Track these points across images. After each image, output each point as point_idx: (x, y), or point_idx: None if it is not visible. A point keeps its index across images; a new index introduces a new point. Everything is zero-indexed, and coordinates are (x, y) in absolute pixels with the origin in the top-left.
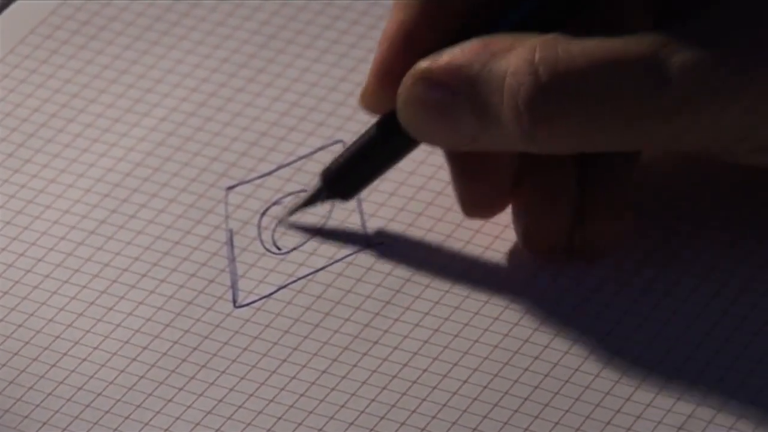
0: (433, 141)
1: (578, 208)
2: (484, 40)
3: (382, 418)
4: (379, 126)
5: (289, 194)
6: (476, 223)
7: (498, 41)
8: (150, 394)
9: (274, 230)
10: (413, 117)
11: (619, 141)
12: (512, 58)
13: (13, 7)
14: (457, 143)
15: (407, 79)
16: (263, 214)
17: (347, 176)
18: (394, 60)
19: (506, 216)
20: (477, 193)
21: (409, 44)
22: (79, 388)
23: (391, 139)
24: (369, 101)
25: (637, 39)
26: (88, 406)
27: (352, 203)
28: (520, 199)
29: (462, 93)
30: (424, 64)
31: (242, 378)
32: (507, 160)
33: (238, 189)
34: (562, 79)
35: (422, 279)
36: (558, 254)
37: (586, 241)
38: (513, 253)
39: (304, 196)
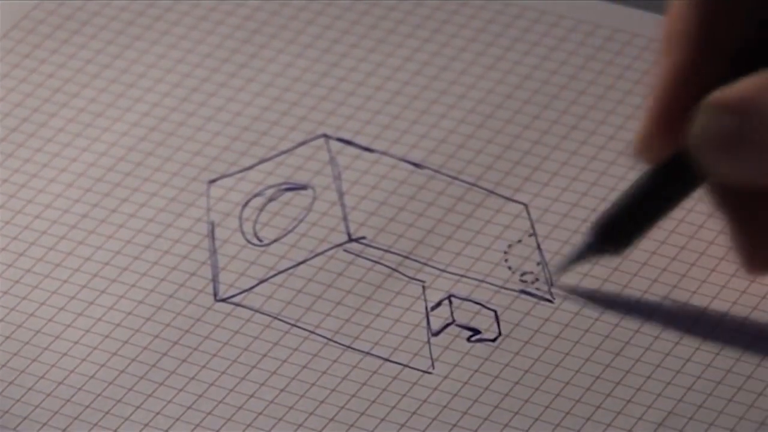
0: (730, 172)
1: None
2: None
3: (362, 414)
4: (658, 171)
5: (270, 187)
6: (459, 218)
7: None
8: (130, 389)
9: (255, 222)
10: (710, 149)
11: None
12: None
13: None
14: (755, 176)
15: (702, 111)
16: (245, 205)
17: (621, 228)
18: (673, 103)
19: (486, 211)
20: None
21: (686, 86)
22: (59, 383)
23: (671, 184)
24: (648, 147)
25: None
26: (68, 401)
27: (333, 195)
28: None
29: (760, 122)
30: (718, 94)
31: (222, 373)
32: None
33: (219, 182)
34: None
35: (403, 274)
36: None
37: None
38: (495, 250)
39: (574, 250)
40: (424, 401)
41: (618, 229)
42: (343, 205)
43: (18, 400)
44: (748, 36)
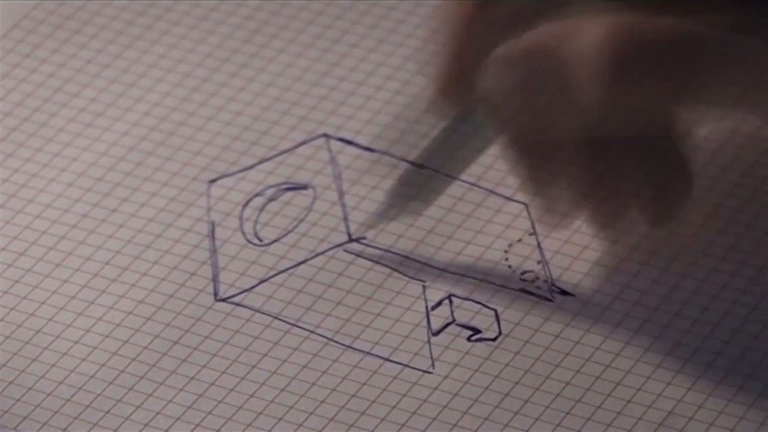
0: (513, 124)
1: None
2: (555, 23)
3: (362, 413)
4: (454, 123)
5: (271, 187)
6: (457, 218)
7: (569, 22)
8: (131, 389)
9: (255, 222)
10: (500, 101)
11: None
12: (590, 35)
13: None
14: (537, 126)
15: (491, 61)
16: (245, 205)
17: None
18: (464, 53)
19: (486, 211)
20: (550, 201)
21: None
22: (60, 383)
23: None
24: (446, 95)
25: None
26: (68, 400)
27: (333, 195)
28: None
29: (541, 71)
30: (501, 49)
31: (223, 372)
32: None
33: (220, 182)
34: (640, 52)
35: (404, 274)
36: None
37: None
38: (496, 249)
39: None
40: (425, 401)
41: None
42: (343, 205)
43: (18, 400)
44: None
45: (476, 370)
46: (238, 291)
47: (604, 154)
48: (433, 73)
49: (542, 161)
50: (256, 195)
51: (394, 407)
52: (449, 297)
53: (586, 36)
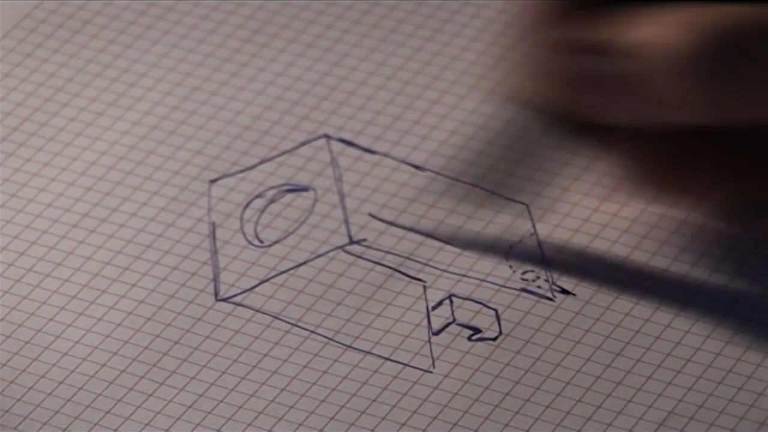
0: (580, 112)
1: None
2: (620, 13)
3: (362, 413)
4: (531, 115)
5: (272, 188)
6: (458, 219)
7: (634, 13)
8: (131, 389)
9: (256, 223)
10: (559, 89)
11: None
12: (656, 27)
13: None
14: (605, 113)
15: (548, 53)
16: (246, 206)
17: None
18: (542, 46)
19: (487, 213)
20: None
21: (555, 30)
22: (60, 383)
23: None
24: (521, 89)
25: None
26: (69, 400)
27: (334, 197)
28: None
29: (608, 61)
30: (560, 35)
31: (223, 372)
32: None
33: (221, 182)
34: (713, 44)
35: (404, 274)
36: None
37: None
38: (494, 248)
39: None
40: (425, 400)
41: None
42: (344, 208)
43: (19, 399)
44: None
45: (476, 370)
46: (238, 291)
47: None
48: (518, 67)
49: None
50: (257, 197)
51: (394, 406)
52: (450, 297)
53: (669, 30)
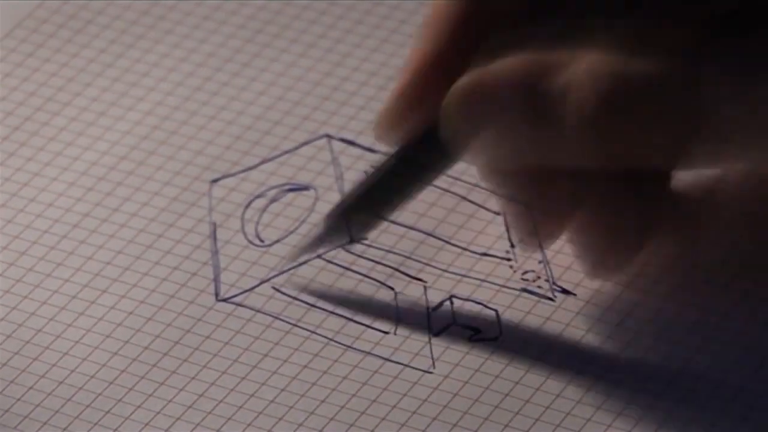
0: (483, 155)
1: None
2: (536, 54)
3: (362, 413)
4: (405, 150)
5: (273, 187)
6: (459, 219)
7: (551, 55)
8: (131, 389)
9: (257, 223)
10: (463, 130)
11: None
12: (575, 71)
13: None
14: (509, 157)
15: (456, 92)
16: (247, 206)
17: (356, 214)
18: (421, 86)
19: (487, 213)
20: (530, 223)
21: (438, 72)
22: (60, 382)
23: (420, 162)
24: (390, 125)
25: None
26: (69, 400)
27: (335, 197)
28: (579, 224)
29: (518, 104)
30: (474, 76)
31: (223, 372)
32: (561, 182)
33: (222, 182)
34: (623, 94)
35: (405, 274)
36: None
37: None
38: (494, 249)
39: (307, 239)
40: (425, 401)
41: (351, 217)
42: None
43: (19, 399)
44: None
45: (477, 370)
46: (239, 291)
47: (590, 184)
48: (382, 108)
49: (523, 187)
50: (258, 196)
51: (394, 407)
52: (450, 298)
53: (570, 71)
